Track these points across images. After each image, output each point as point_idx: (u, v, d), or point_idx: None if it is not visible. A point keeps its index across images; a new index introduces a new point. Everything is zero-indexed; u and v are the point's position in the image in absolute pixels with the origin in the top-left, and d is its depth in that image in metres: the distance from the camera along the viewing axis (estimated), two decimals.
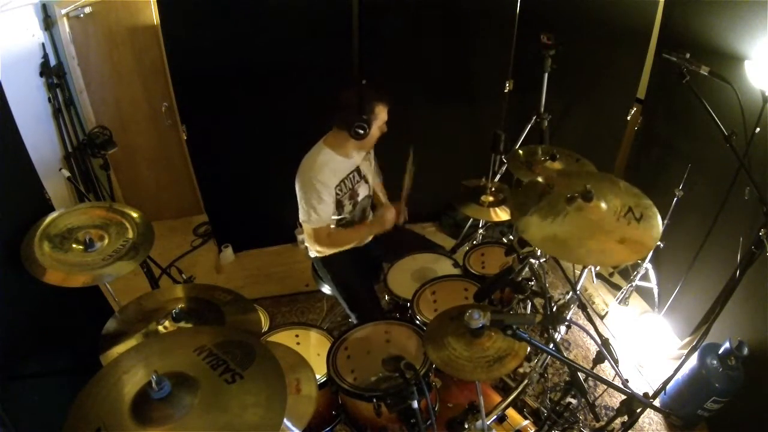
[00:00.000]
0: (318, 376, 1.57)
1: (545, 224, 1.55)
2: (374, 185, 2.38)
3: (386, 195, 2.39)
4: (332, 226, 2.14)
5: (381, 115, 2.00)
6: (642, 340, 2.66)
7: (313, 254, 2.27)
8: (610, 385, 1.40)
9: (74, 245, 1.69)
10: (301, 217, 2.08)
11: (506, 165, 2.77)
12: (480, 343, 1.39)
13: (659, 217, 1.56)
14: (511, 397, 1.70)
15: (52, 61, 2.88)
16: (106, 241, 1.73)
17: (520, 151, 2.42)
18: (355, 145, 2.04)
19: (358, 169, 2.16)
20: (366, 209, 2.30)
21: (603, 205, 1.57)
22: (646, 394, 1.45)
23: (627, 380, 1.66)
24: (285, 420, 1.31)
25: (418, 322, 1.84)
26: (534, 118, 2.90)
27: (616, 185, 1.69)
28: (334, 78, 2.72)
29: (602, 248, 1.49)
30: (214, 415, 1.02)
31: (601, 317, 2.86)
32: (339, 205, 2.11)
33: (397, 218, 2.20)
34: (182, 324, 1.57)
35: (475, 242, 2.94)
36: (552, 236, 1.52)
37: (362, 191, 2.21)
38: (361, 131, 1.94)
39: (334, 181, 2.05)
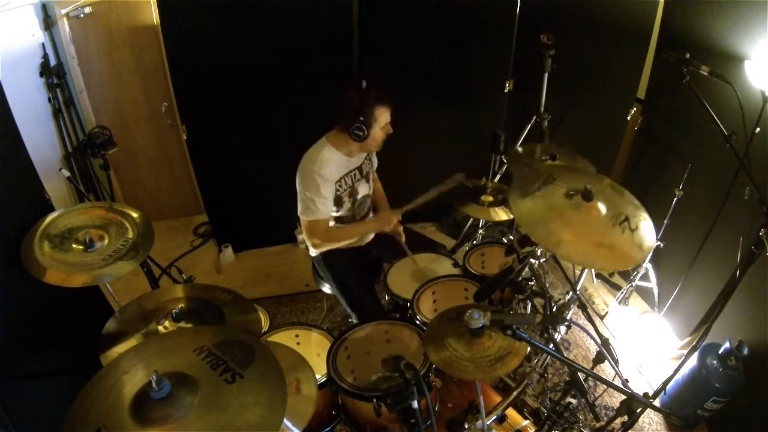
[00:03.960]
0: (318, 376, 1.57)
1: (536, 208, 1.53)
2: (376, 188, 2.38)
3: (387, 202, 2.41)
4: (331, 223, 2.14)
5: (381, 117, 1.99)
6: (642, 340, 2.66)
7: (313, 253, 2.27)
8: (610, 385, 1.40)
9: (74, 245, 1.69)
10: (300, 209, 2.08)
11: (506, 165, 2.78)
12: (480, 343, 1.40)
13: (654, 232, 1.55)
14: (511, 397, 1.70)
15: (52, 61, 2.87)
16: (106, 241, 1.74)
17: (520, 151, 2.42)
18: (358, 146, 2.04)
19: (359, 168, 2.16)
20: (365, 206, 2.30)
21: (602, 207, 1.56)
22: (646, 394, 1.45)
23: (627, 380, 1.66)
24: (285, 420, 1.31)
25: (418, 322, 1.84)
26: (534, 117, 2.90)
27: (619, 192, 1.68)
28: (334, 78, 2.75)
29: (587, 250, 1.46)
30: (214, 415, 1.02)
31: (601, 317, 2.86)
32: (338, 202, 2.11)
33: (396, 226, 2.19)
34: (182, 324, 1.57)
35: (475, 242, 2.94)
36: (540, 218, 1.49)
37: (362, 190, 2.21)
38: (360, 133, 1.95)
39: (334, 176, 2.05)
